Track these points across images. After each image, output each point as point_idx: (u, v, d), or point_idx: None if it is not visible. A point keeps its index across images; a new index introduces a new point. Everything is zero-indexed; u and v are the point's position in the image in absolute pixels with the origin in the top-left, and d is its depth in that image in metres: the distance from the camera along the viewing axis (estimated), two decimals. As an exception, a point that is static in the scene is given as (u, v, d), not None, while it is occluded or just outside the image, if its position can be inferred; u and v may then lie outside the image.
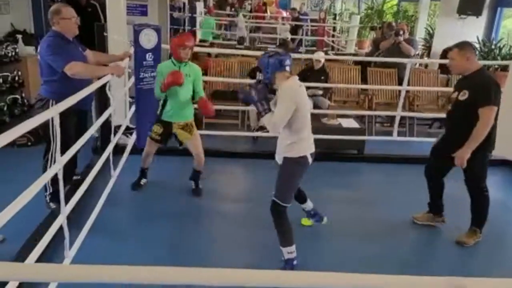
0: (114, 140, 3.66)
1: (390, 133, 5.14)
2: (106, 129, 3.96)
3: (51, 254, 2.60)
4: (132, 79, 4.06)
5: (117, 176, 3.66)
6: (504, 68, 6.06)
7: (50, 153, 2.99)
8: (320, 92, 5.39)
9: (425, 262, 3.10)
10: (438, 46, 7.53)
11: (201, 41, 10.44)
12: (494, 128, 3.04)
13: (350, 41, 10.91)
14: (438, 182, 3.42)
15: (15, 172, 3.52)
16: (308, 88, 5.21)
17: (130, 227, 3.30)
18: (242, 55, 6.28)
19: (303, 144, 2.71)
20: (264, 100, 2.63)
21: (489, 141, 3.05)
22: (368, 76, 5.94)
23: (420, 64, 7.30)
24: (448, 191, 3.48)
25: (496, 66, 6.42)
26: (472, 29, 7.30)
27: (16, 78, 5.38)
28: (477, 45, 6.90)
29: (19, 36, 5.72)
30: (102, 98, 4.08)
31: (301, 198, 3.20)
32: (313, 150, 2.78)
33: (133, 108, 4.19)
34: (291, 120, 2.61)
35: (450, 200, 3.57)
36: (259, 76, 4.23)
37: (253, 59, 5.79)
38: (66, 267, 1.42)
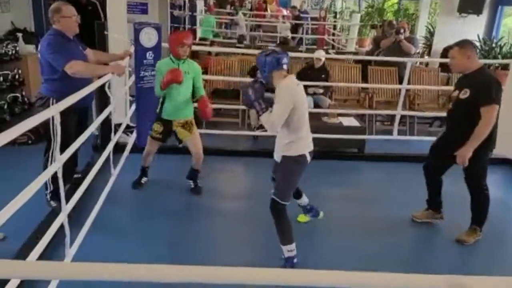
0: (114, 138, 3.66)
1: (390, 132, 5.14)
2: (107, 128, 3.96)
3: (52, 253, 2.61)
4: (133, 77, 4.07)
5: (118, 175, 3.67)
6: (505, 67, 6.06)
7: (51, 151, 2.99)
8: (321, 90, 5.39)
9: (425, 260, 3.10)
10: (438, 44, 7.53)
11: (201, 39, 10.43)
12: (495, 126, 3.04)
13: (351, 40, 10.90)
14: (437, 179, 3.43)
15: (15, 170, 3.52)
16: (308, 86, 5.27)
17: (131, 225, 3.30)
18: (243, 54, 6.27)
19: (302, 143, 2.72)
20: (261, 99, 2.62)
21: (490, 139, 3.05)
22: (369, 75, 5.94)
23: (421, 63, 7.30)
24: (448, 190, 3.48)
25: (497, 65, 6.41)
26: (473, 28, 7.30)
27: (17, 76, 5.38)
28: (477, 44, 6.89)
29: (20, 35, 5.72)
30: (102, 96, 4.08)
31: (296, 193, 3.21)
32: (311, 148, 2.78)
33: (134, 106, 4.19)
34: (289, 119, 2.60)
35: (451, 199, 3.57)
36: (259, 74, 4.24)
37: (253, 58, 5.74)
38: (67, 265, 1.42)
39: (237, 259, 2.93)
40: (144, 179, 3.86)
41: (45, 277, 1.34)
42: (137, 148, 3.98)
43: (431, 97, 5.97)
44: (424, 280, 1.07)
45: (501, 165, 4.66)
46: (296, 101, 2.59)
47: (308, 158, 2.74)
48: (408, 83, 5.21)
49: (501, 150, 3.31)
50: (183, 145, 3.68)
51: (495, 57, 6.77)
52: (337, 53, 9.28)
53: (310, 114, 4.47)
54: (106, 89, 3.47)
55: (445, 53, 6.38)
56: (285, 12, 15.59)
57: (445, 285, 1.04)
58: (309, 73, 5.32)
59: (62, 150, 2.39)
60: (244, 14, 13.23)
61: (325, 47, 10.00)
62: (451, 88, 3.75)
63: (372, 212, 3.70)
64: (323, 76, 5.34)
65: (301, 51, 9.13)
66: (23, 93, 5.40)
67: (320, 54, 5.41)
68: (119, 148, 3.98)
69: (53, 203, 3.18)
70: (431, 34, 8.93)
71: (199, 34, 10.67)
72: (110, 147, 3.50)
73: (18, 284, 2.00)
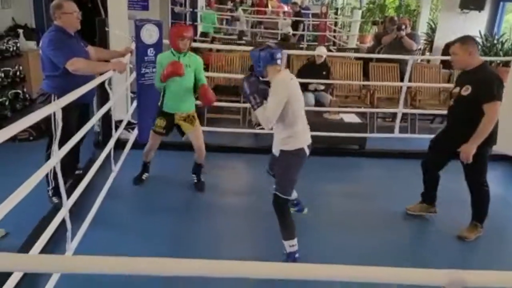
0: (115, 135, 3.67)
1: (391, 128, 5.14)
2: (108, 124, 3.97)
3: (53, 247, 2.62)
4: (134, 74, 4.07)
5: (119, 171, 3.68)
6: (506, 64, 6.05)
7: (53, 147, 3.00)
8: (322, 87, 5.38)
9: (425, 256, 3.11)
10: (440, 40, 7.50)
11: (202, 34, 10.42)
12: (496, 123, 3.04)
13: (352, 36, 10.87)
14: (434, 175, 3.44)
15: (16, 166, 3.53)
16: (309, 83, 5.27)
17: (131, 221, 3.31)
18: (244, 51, 6.27)
19: (299, 137, 2.72)
20: (256, 93, 2.62)
21: (490, 136, 3.04)
22: (370, 71, 5.93)
23: (422, 59, 7.28)
24: (448, 186, 3.48)
25: (498, 62, 6.40)
26: (474, 24, 7.27)
27: (18, 73, 5.39)
28: (479, 40, 6.87)
29: (20, 31, 5.71)
30: (103, 93, 4.09)
31: None
32: (310, 142, 2.78)
33: (135, 103, 4.20)
34: (284, 114, 2.60)
35: (451, 195, 3.58)
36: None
37: (254, 54, 5.77)
38: (68, 258, 1.43)
39: (239, 254, 2.94)
40: (145, 175, 3.87)
41: (47, 271, 1.35)
42: (138, 145, 3.99)
43: (433, 93, 5.96)
44: (425, 274, 1.08)
45: (501, 162, 4.66)
46: (290, 95, 2.59)
47: (307, 151, 2.74)
48: (410, 79, 5.20)
49: (501, 147, 3.31)
50: (185, 138, 3.68)
51: (496, 54, 6.75)
52: (338, 49, 9.25)
53: (312, 111, 4.49)
54: (106, 85, 3.47)
55: (446, 49, 6.35)
56: (286, 8, 15.55)
57: (444, 279, 1.05)
58: (310, 69, 5.31)
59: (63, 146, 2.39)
60: (245, 11, 13.19)
61: (326, 44, 9.98)
62: (453, 85, 3.74)
63: (372, 208, 3.70)
64: (324, 72, 5.33)
65: (302, 48, 9.11)
66: (24, 89, 5.41)
67: (322, 51, 5.39)
68: (120, 144, 3.98)
69: (55, 199, 3.19)
70: (432, 30, 8.90)
71: (200, 30, 10.65)
72: (111, 143, 3.51)
73: (20, 277, 2.02)
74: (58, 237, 2.60)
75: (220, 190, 3.95)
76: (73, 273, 1.10)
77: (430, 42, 8.68)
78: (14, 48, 5.40)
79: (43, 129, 4.24)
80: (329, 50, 7.50)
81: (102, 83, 3.34)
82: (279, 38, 10.87)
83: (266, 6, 16.00)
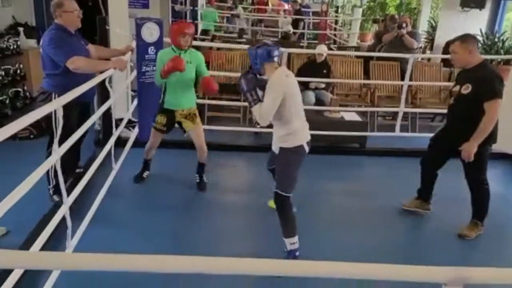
0: (116, 133, 3.67)
1: (392, 126, 5.14)
2: (108, 122, 3.97)
3: (53, 245, 2.62)
4: (134, 72, 4.07)
5: (119, 169, 3.68)
6: (507, 62, 6.04)
7: (53, 145, 3.00)
8: (323, 85, 5.38)
9: (426, 254, 3.11)
10: (441, 39, 7.49)
11: (203, 31, 10.40)
12: (496, 121, 3.04)
13: (353, 34, 10.86)
14: (433, 173, 3.45)
15: (16, 164, 3.51)
16: (310, 81, 5.27)
17: (132, 218, 3.31)
18: (244, 49, 6.26)
19: (298, 134, 2.72)
20: (254, 90, 2.63)
21: (491, 134, 3.04)
22: (371, 69, 5.92)
23: (423, 58, 7.27)
24: (448, 185, 3.48)
25: (499, 60, 6.39)
26: (475, 22, 7.26)
27: (18, 71, 5.39)
28: (480, 38, 6.86)
29: (21, 29, 5.72)
30: (104, 91, 4.09)
31: None
32: (309, 139, 2.78)
33: (136, 101, 4.20)
34: (281, 111, 2.60)
35: (451, 193, 3.57)
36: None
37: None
38: (69, 255, 1.44)
39: (239, 252, 2.94)
40: (146, 173, 3.87)
41: (48, 267, 1.36)
42: (139, 143, 3.99)
43: (433, 91, 5.96)
44: (430, 272, 1.08)
45: (502, 160, 4.66)
46: (286, 92, 2.59)
47: (306, 148, 2.74)
48: (410, 78, 5.20)
49: (501, 145, 3.31)
50: (187, 135, 3.67)
51: (497, 52, 6.74)
52: (339, 48, 9.25)
53: (312, 109, 4.48)
54: (107, 84, 3.48)
55: (447, 47, 6.34)
56: (286, 6, 15.52)
57: (447, 276, 1.05)
58: (311, 68, 5.30)
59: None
60: (245, 9, 13.17)
61: (326, 42, 9.96)
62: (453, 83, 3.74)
63: (373, 206, 3.71)
64: (324, 71, 5.33)
65: (302, 46, 9.10)
66: (25, 87, 5.41)
67: (322, 50, 5.39)
68: (120, 142, 3.99)
69: (55, 198, 3.19)
70: (433, 28, 8.89)
71: (200, 28, 10.64)
72: (111, 141, 3.51)
73: (21, 274, 2.02)
74: (59, 235, 2.60)
75: (221, 188, 3.95)
76: (73, 270, 1.10)
77: (430, 40, 8.68)
78: (15, 46, 5.40)
79: (43, 127, 4.26)
80: (330, 49, 7.48)
81: (103, 81, 3.34)
82: (279, 36, 10.85)
83: (267, 4, 15.96)
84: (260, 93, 2.66)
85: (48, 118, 2.50)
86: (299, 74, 5.13)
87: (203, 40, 8.83)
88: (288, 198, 2.73)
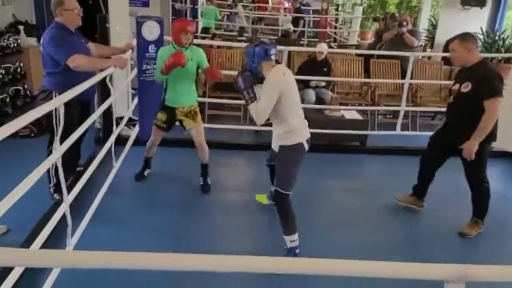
0: (116, 131, 3.67)
1: (393, 125, 5.14)
2: (109, 120, 3.97)
3: (54, 243, 2.62)
4: (135, 71, 4.07)
5: (120, 167, 3.68)
6: (508, 60, 6.03)
7: (54, 143, 3.00)
8: (323, 83, 5.38)
9: (427, 252, 3.11)
10: (441, 37, 7.48)
11: (203, 29, 10.38)
12: (496, 120, 3.04)
13: (353, 32, 10.84)
14: (432, 171, 3.45)
15: (17, 163, 3.52)
16: (310, 80, 5.26)
17: (132, 216, 3.32)
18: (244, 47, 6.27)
19: (298, 132, 2.72)
20: (251, 88, 2.63)
21: (491, 132, 3.04)
22: (371, 68, 5.92)
23: (423, 56, 7.27)
24: (448, 183, 3.48)
25: (500, 58, 6.38)
26: (476, 20, 7.25)
27: (18, 69, 5.39)
28: (480, 37, 6.85)
29: (21, 27, 5.71)
30: (104, 89, 4.09)
31: (272, 178, 3.20)
32: (308, 136, 2.78)
33: (136, 100, 4.20)
34: (277, 108, 2.60)
35: (451, 192, 3.57)
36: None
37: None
38: (69, 253, 1.44)
39: (239, 250, 2.94)
40: (147, 171, 3.87)
41: (48, 265, 1.36)
42: (140, 141, 3.99)
43: (434, 90, 5.95)
44: (432, 269, 1.07)
45: (502, 158, 4.66)
46: (282, 90, 2.59)
47: (306, 146, 2.74)
48: (411, 75, 5.19)
49: (501, 143, 3.31)
50: (188, 133, 3.67)
51: (498, 50, 6.73)
52: (339, 46, 9.24)
53: (313, 108, 4.48)
54: (107, 82, 3.48)
55: (447, 46, 6.34)
56: (286, 4, 15.50)
57: (453, 274, 1.05)
58: (311, 66, 5.30)
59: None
60: (246, 7, 13.15)
61: (327, 40, 9.95)
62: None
63: (374, 204, 3.71)
64: (325, 69, 5.32)
65: (302, 44, 9.09)
66: (25, 86, 5.41)
67: (323, 48, 5.38)
68: (121, 141, 3.99)
69: (56, 196, 3.20)
70: (433, 26, 8.88)
71: (200, 26, 10.62)
72: (112, 139, 3.51)
73: (22, 272, 2.03)
74: (59, 233, 2.61)
75: (221, 186, 3.95)
76: (73, 268, 1.10)
77: (431, 38, 8.66)
78: (15, 44, 5.40)
79: (44, 125, 4.26)
80: (330, 47, 7.48)
81: (103, 80, 3.34)
82: (279, 35, 10.83)
83: (267, 2, 15.95)
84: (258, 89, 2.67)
85: (48, 117, 2.51)
86: (299, 72, 5.13)
87: (203, 38, 8.82)
88: (287, 196, 2.73)
